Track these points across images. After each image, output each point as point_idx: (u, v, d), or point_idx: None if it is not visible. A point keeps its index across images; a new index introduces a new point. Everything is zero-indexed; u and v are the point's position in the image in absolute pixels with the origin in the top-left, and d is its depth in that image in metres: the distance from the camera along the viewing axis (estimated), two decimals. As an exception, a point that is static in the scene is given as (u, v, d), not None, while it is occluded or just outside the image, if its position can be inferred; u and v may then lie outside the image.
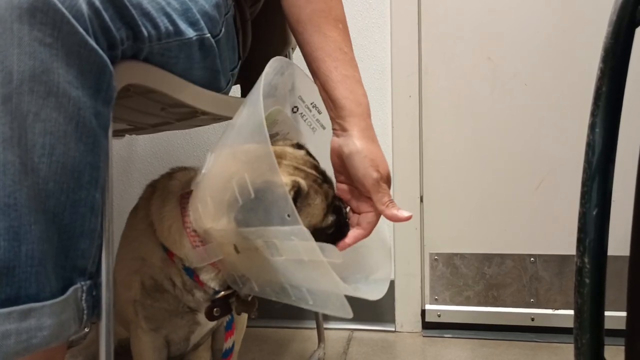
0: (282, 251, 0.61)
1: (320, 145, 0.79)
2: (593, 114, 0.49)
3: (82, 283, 0.52)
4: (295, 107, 0.81)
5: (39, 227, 0.47)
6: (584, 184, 0.49)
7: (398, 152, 1.44)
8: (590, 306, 0.50)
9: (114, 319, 0.57)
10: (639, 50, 0.51)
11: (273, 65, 0.70)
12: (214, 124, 1.01)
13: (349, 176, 0.74)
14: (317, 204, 0.69)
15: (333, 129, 0.76)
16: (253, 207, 0.61)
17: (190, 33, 0.70)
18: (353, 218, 0.76)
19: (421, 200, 1.45)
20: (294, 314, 1.50)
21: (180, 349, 0.91)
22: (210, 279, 0.76)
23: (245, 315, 0.93)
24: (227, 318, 0.85)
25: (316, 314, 1.28)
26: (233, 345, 0.88)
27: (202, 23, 0.73)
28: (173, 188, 0.79)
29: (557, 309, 1.39)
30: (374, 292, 0.72)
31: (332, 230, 0.71)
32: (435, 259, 1.46)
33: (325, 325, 1.41)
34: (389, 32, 1.44)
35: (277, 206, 0.58)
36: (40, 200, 0.47)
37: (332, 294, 0.62)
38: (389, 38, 1.44)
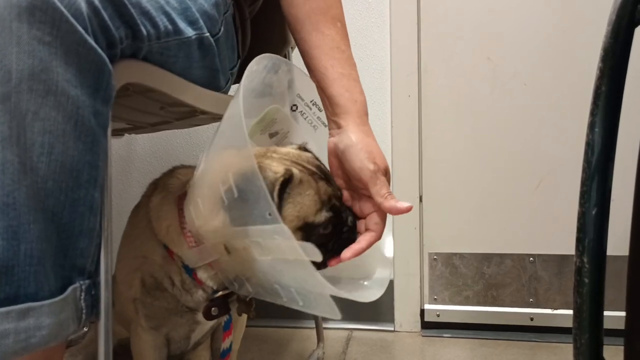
0: (268, 251, 0.61)
1: (323, 143, 0.79)
2: (592, 114, 0.49)
3: (81, 282, 0.52)
4: (295, 105, 0.81)
5: (38, 226, 0.47)
6: (583, 184, 0.49)
7: (397, 151, 1.44)
8: (590, 306, 0.50)
9: (114, 318, 0.57)
10: (638, 49, 0.52)
11: (262, 62, 0.70)
12: (213, 123, 1.01)
13: (347, 176, 0.73)
14: (309, 195, 0.67)
15: (329, 129, 0.76)
16: (237, 207, 0.61)
17: (189, 32, 0.70)
18: (360, 224, 0.74)
19: (420, 200, 1.45)
20: (293, 314, 1.49)
21: (181, 347, 0.91)
22: (208, 278, 0.76)
23: (245, 315, 0.93)
24: (225, 317, 0.85)
25: (315, 313, 1.28)
26: (231, 345, 0.88)
27: (201, 22, 0.73)
28: (172, 187, 0.79)
29: (556, 309, 1.39)
30: (369, 294, 0.71)
31: (328, 231, 0.69)
32: (435, 259, 1.46)
33: (325, 325, 1.41)
34: (388, 32, 1.44)
35: (258, 205, 0.57)
36: (39, 199, 0.47)
37: (319, 295, 0.61)
38: (389, 37, 1.44)
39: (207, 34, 0.74)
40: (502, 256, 1.42)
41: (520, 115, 1.39)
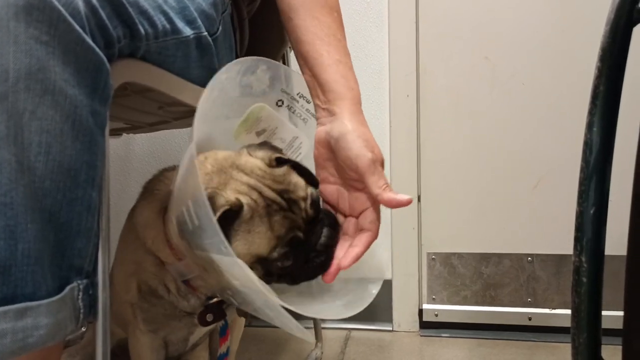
0: (234, 277, 0.59)
1: (314, 134, 0.75)
2: (591, 113, 0.49)
3: (79, 282, 0.52)
4: (280, 100, 0.78)
5: (35, 226, 0.47)
6: (581, 183, 0.49)
7: (396, 151, 1.44)
8: (588, 305, 0.50)
9: (112, 319, 0.57)
10: (636, 49, 0.52)
11: (233, 69, 0.68)
12: (212, 123, 1.00)
13: (339, 167, 0.68)
14: (259, 233, 0.61)
15: (318, 118, 0.71)
16: (200, 234, 0.58)
17: (187, 31, 0.70)
18: (349, 224, 0.69)
19: (419, 200, 1.45)
20: (292, 313, 1.49)
21: (179, 349, 0.90)
22: (202, 285, 0.75)
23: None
24: (221, 323, 0.84)
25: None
26: (228, 350, 0.88)
27: (200, 21, 0.72)
28: (159, 194, 0.76)
29: (555, 309, 1.39)
30: (343, 311, 0.68)
31: (289, 264, 0.64)
32: (433, 259, 1.46)
33: (323, 325, 1.41)
34: (386, 32, 1.44)
35: (214, 236, 0.53)
36: (37, 199, 0.47)
37: (284, 316, 0.59)
38: (387, 37, 1.44)
39: (205, 34, 0.74)
40: (500, 256, 1.42)
41: (519, 115, 1.39)
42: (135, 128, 0.99)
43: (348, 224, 0.69)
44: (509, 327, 1.41)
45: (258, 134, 0.77)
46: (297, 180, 0.67)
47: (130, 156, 1.64)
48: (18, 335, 0.45)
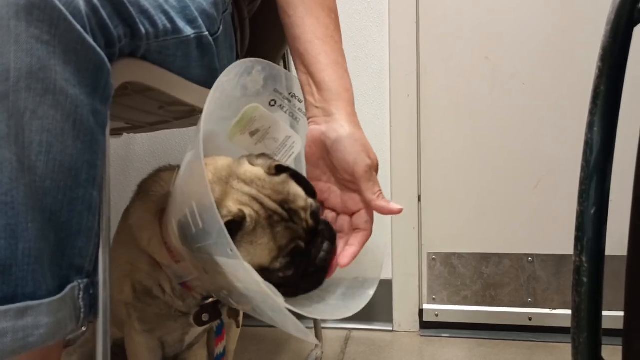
0: (237, 280, 0.59)
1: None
2: (591, 113, 0.49)
3: (79, 281, 0.52)
4: (273, 100, 0.78)
5: (36, 225, 0.47)
6: (582, 183, 0.49)
7: (396, 151, 1.44)
8: (588, 305, 0.49)
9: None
10: (637, 49, 0.52)
11: (232, 71, 0.68)
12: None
13: (332, 167, 0.69)
14: (262, 244, 0.62)
15: (311, 117, 0.71)
16: (203, 237, 0.58)
17: (188, 31, 0.70)
18: (344, 222, 0.70)
19: (419, 200, 1.45)
20: (291, 313, 1.49)
21: (175, 349, 0.90)
22: (198, 285, 0.75)
23: (241, 315, 0.93)
24: (217, 322, 0.84)
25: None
26: (224, 350, 0.87)
27: (200, 21, 0.72)
28: (154, 195, 0.76)
29: (555, 309, 1.39)
30: (344, 311, 0.69)
31: (289, 274, 0.64)
32: (433, 259, 1.46)
33: (323, 325, 1.41)
34: (387, 31, 1.44)
35: (220, 241, 0.54)
36: (37, 198, 0.47)
37: (288, 318, 0.60)
38: (387, 37, 1.44)
39: (206, 33, 0.74)
40: (500, 256, 1.42)
41: (519, 115, 1.39)
42: (135, 128, 0.99)
43: (342, 222, 0.71)
44: (509, 327, 1.41)
45: (252, 134, 0.77)
46: (297, 190, 0.67)
47: (131, 156, 1.64)
48: (18, 335, 0.45)
